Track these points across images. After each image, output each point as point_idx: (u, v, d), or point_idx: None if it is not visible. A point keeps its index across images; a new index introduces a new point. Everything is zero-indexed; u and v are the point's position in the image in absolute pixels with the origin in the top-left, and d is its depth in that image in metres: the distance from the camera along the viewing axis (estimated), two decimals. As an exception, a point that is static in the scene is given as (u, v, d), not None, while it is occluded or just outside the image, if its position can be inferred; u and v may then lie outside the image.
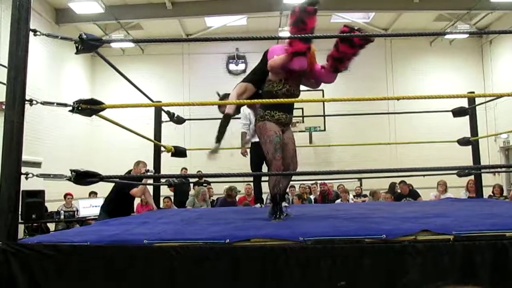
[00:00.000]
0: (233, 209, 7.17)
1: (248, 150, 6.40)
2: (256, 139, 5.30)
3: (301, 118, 13.10)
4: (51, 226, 10.27)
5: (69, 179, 2.93)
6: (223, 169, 11.94)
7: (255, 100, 3.87)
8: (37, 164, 10.71)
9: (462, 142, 6.39)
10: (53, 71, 12.39)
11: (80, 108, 3.04)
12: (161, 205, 7.68)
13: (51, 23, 12.32)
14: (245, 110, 6.37)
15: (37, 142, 11.02)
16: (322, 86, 14.83)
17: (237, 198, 10.19)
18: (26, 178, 2.78)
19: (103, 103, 3.16)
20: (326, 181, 10.86)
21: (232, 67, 15.48)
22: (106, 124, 4.82)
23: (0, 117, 9.08)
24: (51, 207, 10.31)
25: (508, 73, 14.06)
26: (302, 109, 12.81)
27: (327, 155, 14.96)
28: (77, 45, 3.07)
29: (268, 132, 3.87)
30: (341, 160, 14.48)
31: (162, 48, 15.33)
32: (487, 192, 8.85)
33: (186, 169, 11.93)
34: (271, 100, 3.67)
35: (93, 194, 11.23)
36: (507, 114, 13.41)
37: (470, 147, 6.33)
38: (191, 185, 11.40)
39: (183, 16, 13.39)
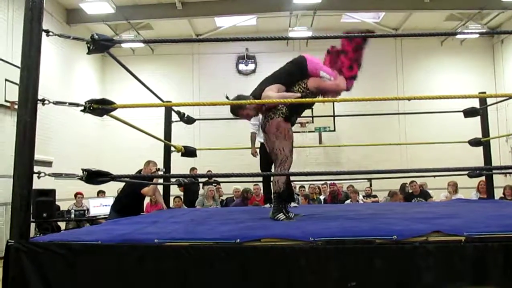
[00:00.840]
0: (242, 209, 7.17)
1: (258, 151, 6.39)
2: None
3: (310, 118, 13.08)
4: (62, 225, 10.34)
5: (81, 179, 2.95)
6: (233, 168, 11.98)
7: (261, 100, 3.82)
8: (48, 164, 10.78)
9: (473, 142, 6.35)
10: (63, 71, 12.47)
11: (91, 108, 3.06)
12: (171, 205, 7.70)
13: (62, 23, 12.41)
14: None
15: (48, 141, 11.11)
16: (332, 86, 14.40)
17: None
18: (39, 177, 2.80)
19: (114, 103, 3.18)
20: (335, 182, 10.83)
21: (241, 67, 15.49)
22: (116, 124, 4.84)
23: (12, 117, 9.17)
24: (61, 206, 10.39)
25: (519, 73, 13.95)
26: (312, 109, 12.77)
27: (336, 155, 14.93)
28: (89, 45, 3.09)
29: (286, 129, 3.93)
30: (350, 161, 14.45)
31: (172, 48, 15.37)
32: (498, 193, 8.78)
33: (196, 168, 11.96)
34: (270, 100, 3.68)
35: (101, 193, 11.29)
36: (519, 115, 13.30)
37: (481, 147, 6.29)
38: (201, 185, 11.43)
39: (193, 16, 13.43)
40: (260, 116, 5.86)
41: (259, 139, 6.27)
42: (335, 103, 13.15)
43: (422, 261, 2.48)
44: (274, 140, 3.94)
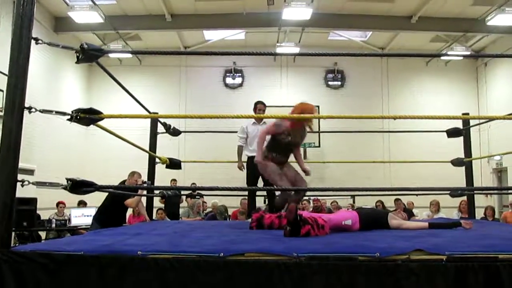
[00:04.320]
0: (226, 223, 7.16)
1: (245, 165, 6.40)
2: (253, 154, 5.36)
3: (296, 134, 13.12)
4: (43, 234, 10.19)
5: (65, 188, 2.93)
6: (218, 182, 11.96)
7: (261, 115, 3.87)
8: (30, 172, 10.67)
9: (456, 162, 6.42)
10: (49, 79, 12.38)
11: (78, 117, 3.04)
12: (154, 217, 7.65)
13: (49, 31, 12.36)
14: (242, 123, 6.41)
15: (30, 149, 10.99)
16: (318, 102, 14.93)
17: (229, 213, 10.23)
18: (22, 186, 2.77)
19: (101, 113, 3.17)
20: (319, 197, 10.85)
21: (229, 80, 15.54)
22: (101, 133, 4.81)
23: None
24: (42, 215, 10.23)
25: (502, 96, 14.20)
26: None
27: (321, 171, 14.95)
28: (78, 54, 3.09)
29: (268, 166, 4.70)
30: (334, 177, 14.50)
31: (160, 59, 15.37)
32: (479, 213, 8.87)
33: (175, 180, 11.91)
34: (276, 115, 3.71)
35: (82, 204, 11.15)
36: (500, 136, 13.51)
37: (463, 167, 6.36)
38: (183, 197, 11.37)
39: (182, 28, 13.49)
40: (249, 128, 6.04)
41: (247, 152, 6.28)
42: (320, 119, 13.27)
43: (404, 279, 2.50)
44: (269, 178, 4.73)
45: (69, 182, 2.92)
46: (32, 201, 9.15)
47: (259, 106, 6.36)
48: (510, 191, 11.62)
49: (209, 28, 13.85)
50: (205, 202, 11.32)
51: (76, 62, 3.17)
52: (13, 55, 2.79)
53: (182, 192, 10.59)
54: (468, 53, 14.27)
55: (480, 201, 11.16)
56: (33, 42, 2.86)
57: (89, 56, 3.12)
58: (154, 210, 7.79)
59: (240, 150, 6.52)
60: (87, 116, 3.09)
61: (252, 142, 6.15)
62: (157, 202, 9.21)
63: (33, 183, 2.89)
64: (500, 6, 11.26)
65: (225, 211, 10.28)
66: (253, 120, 6.34)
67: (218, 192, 10.18)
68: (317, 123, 13.35)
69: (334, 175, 14.60)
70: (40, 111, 2.98)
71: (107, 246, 2.88)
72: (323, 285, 2.50)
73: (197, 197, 10.64)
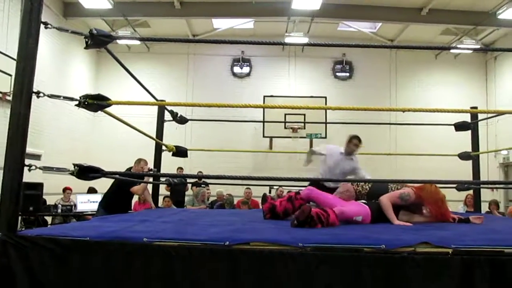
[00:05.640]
0: (232, 211, 7.16)
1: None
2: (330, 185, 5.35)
3: (302, 124, 13.13)
4: (48, 219, 10.26)
5: (72, 173, 2.93)
6: (223, 171, 11.98)
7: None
8: (37, 157, 10.71)
9: (463, 156, 6.40)
10: (57, 64, 12.39)
11: (87, 103, 3.04)
12: (160, 204, 7.67)
13: (58, 16, 12.34)
14: (329, 145, 6.26)
15: (38, 134, 11.02)
16: (326, 93, 14.87)
17: (235, 202, 10.25)
18: (29, 170, 2.78)
19: (109, 99, 3.17)
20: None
21: (236, 69, 15.49)
22: (108, 120, 4.81)
23: (3, 108, 9.08)
24: (48, 200, 10.29)
25: (511, 90, 14.09)
26: (304, 115, 12.84)
27: (327, 162, 14.94)
28: (86, 40, 3.08)
29: None
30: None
31: (168, 47, 15.34)
32: (484, 207, 8.84)
33: (182, 168, 11.93)
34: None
35: (92, 190, 11.21)
36: (508, 131, 13.42)
37: (470, 161, 6.34)
38: (189, 185, 11.40)
39: (190, 16, 13.43)
40: (334, 155, 5.73)
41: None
42: (327, 110, 13.24)
43: (410, 272, 2.49)
44: None
45: (75, 167, 2.93)
46: (39, 186, 9.20)
47: (355, 142, 5.77)
48: (516, 186, 11.56)
49: (217, 17, 13.79)
50: (209, 191, 11.32)
51: (85, 48, 3.16)
52: (22, 39, 2.78)
53: (188, 181, 10.62)
54: (478, 46, 14.16)
55: (486, 195, 11.12)
56: (42, 26, 2.85)
57: (98, 41, 3.11)
58: (160, 198, 7.80)
59: (310, 152, 6.17)
60: (95, 102, 3.09)
61: (332, 171, 5.68)
62: (163, 190, 9.23)
63: (40, 168, 2.90)
64: (511, 0, 11.13)
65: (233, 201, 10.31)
66: (342, 149, 5.78)
67: (223, 181, 10.27)
68: (324, 114, 13.35)
69: (340, 166, 14.56)
70: (48, 96, 2.98)
71: (112, 232, 2.89)
72: (328, 275, 2.49)
73: (202, 185, 10.66)
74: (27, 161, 2.76)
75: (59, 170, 2.97)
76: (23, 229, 7.76)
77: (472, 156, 6.29)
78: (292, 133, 13.42)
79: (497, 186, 12.31)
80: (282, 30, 13.96)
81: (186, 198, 10.79)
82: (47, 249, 2.54)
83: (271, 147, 13.84)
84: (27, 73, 2.75)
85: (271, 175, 4.81)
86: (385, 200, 4.08)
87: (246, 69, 15.49)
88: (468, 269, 2.51)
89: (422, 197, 4.18)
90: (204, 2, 12.79)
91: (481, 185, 7.07)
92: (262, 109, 13.49)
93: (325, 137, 14.01)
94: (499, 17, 11.67)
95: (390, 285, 2.50)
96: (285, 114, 12.93)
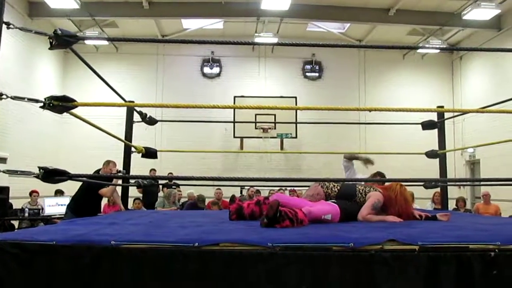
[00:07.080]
0: (202, 212, 7.13)
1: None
2: None
3: (273, 124, 13.18)
4: (15, 223, 10.03)
5: (37, 177, 2.87)
6: (193, 172, 11.93)
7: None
8: (2, 160, 10.47)
9: (430, 154, 6.51)
10: (22, 65, 12.13)
11: (51, 104, 2.98)
12: (129, 206, 7.58)
13: (23, 16, 12.09)
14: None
15: (2, 136, 10.77)
16: (295, 93, 15.03)
17: (205, 203, 10.22)
18: (-7, 174, 2.72)
19: (75, 101, 3.11)
20: (295, 188, 10.90)
21: (206, 70, 15.46)
22: (75, 122, 4.73)
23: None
24: (15, 204, 10.07)
25: (476, 89, 14.45)
26: (275, 115, 12.89)
27: (297, 162, 15.06)
28: (51, 40, 3.02)
29: None
30: (311, 168, 14.59)
31: (137, 47, 15.20)
32: (452, 204, 9.03)
33: (155, 170, 11.85)
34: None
35: (59, 193, 11.02)
36: (474, 129, 13.76)
37: (437, 159, 6.46)
38: (160, 186, 11.32)
39: (159, 16, 13.34)
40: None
41: None
42: (298, 110, 13.33)
43: (378, 269, 2.52)
44: None
45: (41, 170, 2.87)
46: (5, 190, 9.00)
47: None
48: (482, 183, 11.84)
49: (186, 17, 13.74)
50: (180, 192, 11.26)
51: (49, 48, 3.10)
52: (-16, 40, 2.71)
53: (159, 182, 10.53)
54: (444, 46, 14.47)
55: (453, 192, 11.37)
56: (4, 26, 2.78)
57: (63, 42, 3.05)
58: (130, 200, 7.72)
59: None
60: (60, 104, 3.03)
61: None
62: (134, 192, 9.14)
63: (4, 172, 2.83)
64: (475, 1, 11.43)
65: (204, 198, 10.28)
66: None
67: (194, 181, 10.21)
68: (294, 114, 13.44)
69: (311, 166, 14.70)
70: (11, 97, 2.91)
71: (80, 235, 2.83)
72: (298, 275, 2.50)
73: (173, 187, 10.59)
74: (-9, 165, 2.69)
75: (24, 173, 2.91)
76: (-12, 234, 7.57)
77: (439, 154, 6.41)
78: (262, 133, 13.47)
79: (463, 183, 12.59)
80: (251, 30, 14.00)
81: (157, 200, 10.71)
82: (12, 254, 2.47)
83: (242, 148, 13.85)
84: (-11, 74, 2.68)
85: (242, 175, 4.82)
86: (364, 216, 4.17)
87: (216, 70, 15.47)
88: (435, 265, 2.55)
89: (389, 196, 4.26)
90: (173, 2, 12.72)
91: (448, 183, 7.22)
92: (232, 110, 13.49)
93: (296, 137, 14.11)
94: (464, 17, 11.95)
95: (359, 283, 2.52)
96: (256, 115, 12.96)
